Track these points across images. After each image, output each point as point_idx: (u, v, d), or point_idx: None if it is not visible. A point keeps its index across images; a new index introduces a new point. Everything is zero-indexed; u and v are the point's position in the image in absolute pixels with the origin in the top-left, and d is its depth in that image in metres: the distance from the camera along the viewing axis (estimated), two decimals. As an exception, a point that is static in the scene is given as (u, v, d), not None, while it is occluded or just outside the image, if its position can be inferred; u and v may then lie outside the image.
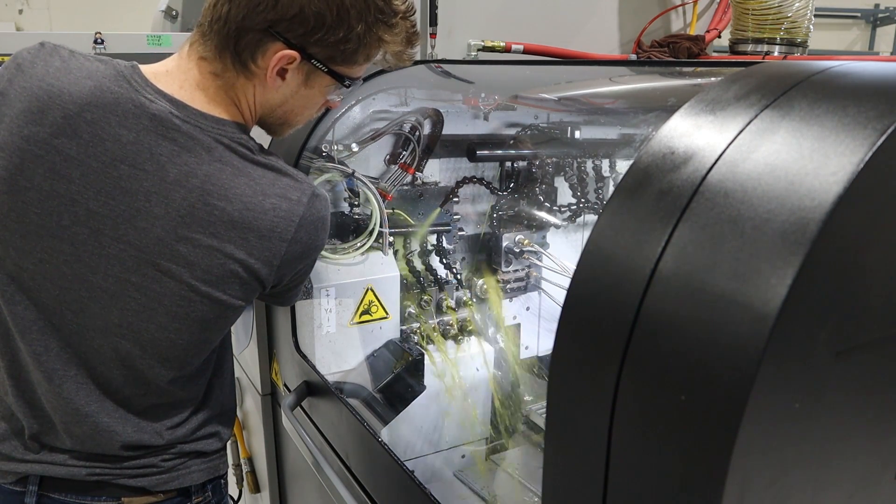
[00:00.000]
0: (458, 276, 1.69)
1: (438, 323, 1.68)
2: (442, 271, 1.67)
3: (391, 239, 1.54)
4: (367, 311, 1.52)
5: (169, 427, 1.11)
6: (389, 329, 1.57)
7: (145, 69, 1.02)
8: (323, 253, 1.42)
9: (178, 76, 1.02)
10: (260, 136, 1.16)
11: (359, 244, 1.48)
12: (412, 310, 1.64)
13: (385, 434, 1.48)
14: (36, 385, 1.04)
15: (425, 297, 1.65)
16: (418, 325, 1.65)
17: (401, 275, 1.56)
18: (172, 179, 0.97)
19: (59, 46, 1.01)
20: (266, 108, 1.07)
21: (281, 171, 1.05)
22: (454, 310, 1.69)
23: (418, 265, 1.66)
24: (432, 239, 1.67)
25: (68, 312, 1.00)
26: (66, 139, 0.94)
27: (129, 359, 1.03)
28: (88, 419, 1.04)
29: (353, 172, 1.46)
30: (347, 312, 1.49)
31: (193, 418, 1.14)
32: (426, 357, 1.55)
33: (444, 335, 1.67)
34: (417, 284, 1.64)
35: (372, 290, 1.51)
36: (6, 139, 0.95)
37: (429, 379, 1.56)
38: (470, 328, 1.71)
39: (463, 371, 1.66)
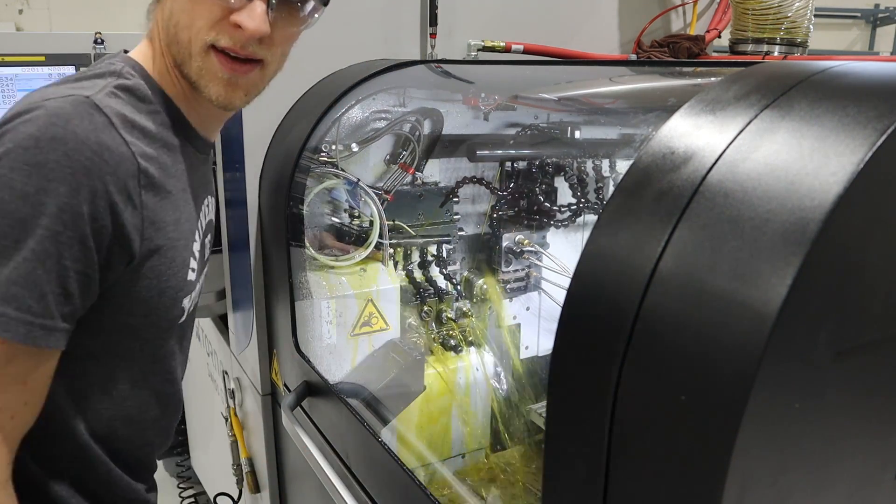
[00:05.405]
0: (458, 287, 1.69)
1: (438, 333, 1.67)
2: (442, 282, 1.66)
3: (391, 250, 1.54)
4: (367, 323, 1.50)
5: None
6: (390, 340, 1.56)
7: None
8: (323, 263, 1.42)
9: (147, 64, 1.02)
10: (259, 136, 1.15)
11: (357, 257, 1.47)
12: (412, 321, 1.64)
13: (385, 434, 1.48)
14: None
15: (426, 308, 1.64)
16: (418, 335, 1.64)
17: (401, 286, 1.55)
18: None
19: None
20: (163, 33, 1.00)
21: (83, 76, 0.96)
22: (454, 321, 1.69)
23: (418, 276, 1.66)
24: (432, 249, 1.67)
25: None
26: None
27: None
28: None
29: (358, 182, 1.45)
30: (348, 324, 1.48)
31: None
32: (426, 361, 1.54)
33: (445, 346, 1.66)
34: (417, 295, 1.64)
35: (372, 302, 1.50)
36: None
37: (429, 380, 1.56)
38: (470, 338, 1.70)
39: (462, 371, 1.66)
